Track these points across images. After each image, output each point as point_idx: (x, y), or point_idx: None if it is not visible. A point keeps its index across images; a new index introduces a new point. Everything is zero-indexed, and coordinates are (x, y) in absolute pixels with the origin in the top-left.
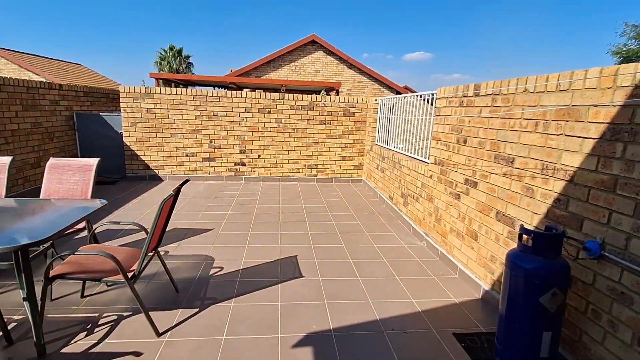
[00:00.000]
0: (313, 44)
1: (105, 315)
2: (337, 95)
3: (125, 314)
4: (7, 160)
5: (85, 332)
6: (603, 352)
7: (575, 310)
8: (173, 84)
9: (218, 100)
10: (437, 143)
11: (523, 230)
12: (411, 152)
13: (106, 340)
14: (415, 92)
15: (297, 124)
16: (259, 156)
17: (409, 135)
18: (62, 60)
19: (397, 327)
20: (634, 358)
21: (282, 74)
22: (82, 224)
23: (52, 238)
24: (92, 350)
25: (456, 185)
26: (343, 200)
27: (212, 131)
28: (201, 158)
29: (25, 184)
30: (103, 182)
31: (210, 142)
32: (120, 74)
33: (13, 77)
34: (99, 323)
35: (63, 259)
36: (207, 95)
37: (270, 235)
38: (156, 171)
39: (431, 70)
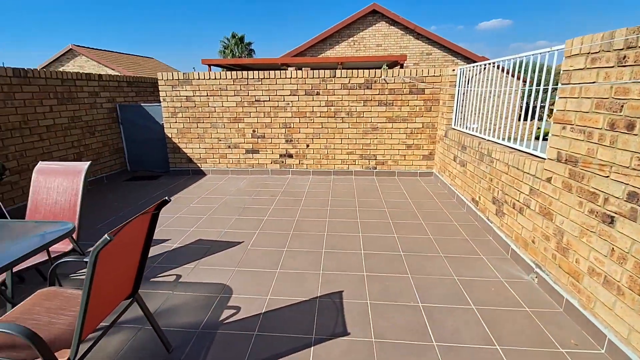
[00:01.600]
0: (374, 15)
1: None
2: (402, 69)
3: None
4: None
5: None
6: None
7: None
8: (225, 70)
9: (260, 82)
10: (565, 129)
11: None
12: (511, 141)
13: None
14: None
15: (352, 106)
16: (308, 146)
17: (505, 117)
18: (135, 55)
19: None
20: None
21: (340, 51)
22: (67, 244)
23: None
24: None
25: (607, 200)
26: (409, 202)
27: (255, 119)
28: (244, 150)
29: None
30: (147, 177)
31: (253, 131)
32: (189, 65)
33: (43, 69)
34: None
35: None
36: (247, 78)
37: (310, 254)
38: (199, 165)
39: (509, 39)
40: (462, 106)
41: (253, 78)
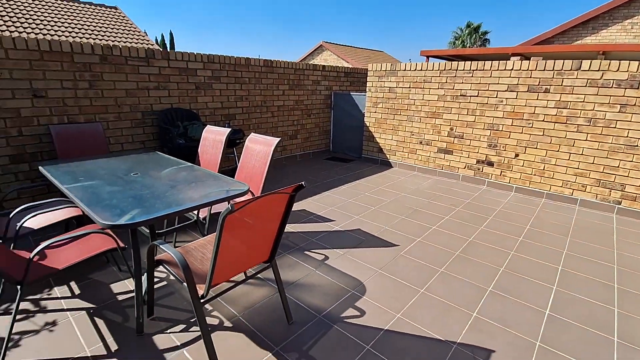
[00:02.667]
0: None
1: (209, 316)
2: None
3: (228, 325)
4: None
5: (184, 326)
6: None
7: None
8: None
9: (470, 75)
10: None
11: None
12: None
13: (185, 350)
14: None
15: (598, 111)
16: (516, 155)
17: None
18: (368, 49)
19: None
20: None
21: (608, 37)
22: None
23: (164, 218)
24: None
25: None
26: None
27: (455, 115)
28: (436, 148)
29: (284, 152)
30: (341, 159)
31: (451, 129)
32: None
33: (282, 60)
34: (191, 327)
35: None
36: (456, 70)
37: (469, 287)
38: (388, 156)
39: None
40: None
41: (462, 69)
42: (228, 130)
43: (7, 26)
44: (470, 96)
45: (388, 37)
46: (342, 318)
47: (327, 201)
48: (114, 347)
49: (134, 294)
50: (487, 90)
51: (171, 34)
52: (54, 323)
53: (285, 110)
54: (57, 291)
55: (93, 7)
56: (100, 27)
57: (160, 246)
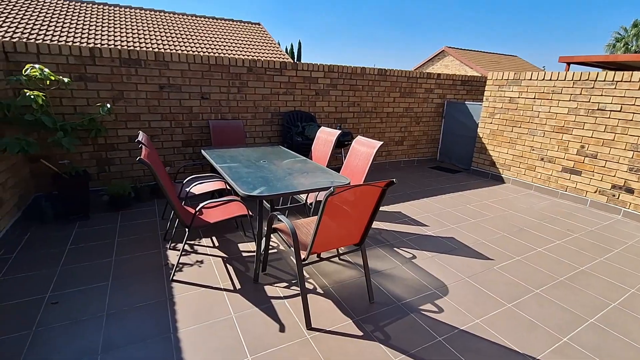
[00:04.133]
0: None
1: (307, 280)
2: None
3: (320, 291)
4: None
5: (287, 284)
6: None
7: None
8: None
9: (612, 86)
10: None
11: None
12: None
13: (286, 301)
14: None
15: None
16: None
17: None
18: (498, 54)
19: None
20: None
21: None
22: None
23: (274, 196)
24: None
25: None
26: None
27: (589, 132)
28: (560, 166)
29: (388, 157)
30: (447, 170)
31: (582, 146)
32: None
33: (396, 69)
34: (292, 286)
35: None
36: (594, 80)
37: (564, 312)
38: (500, 171)
39: None
40: None
41: (603, 80)
42: (338, 132)
43: (180, 44)
44: (611, 111)
45: (525, 40)
46: (419, 309)
47: (425, 207)
48: (237, 286)
49: (254, 253)
50: (634, 105)
51: (299, 44)
52: (201, 262)
53: (394, 117)
54: (204, 242)
55: (242, 24)
56: (247, 42)
57: (279, 216)
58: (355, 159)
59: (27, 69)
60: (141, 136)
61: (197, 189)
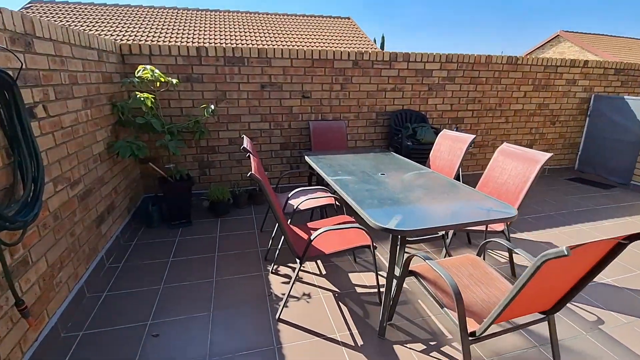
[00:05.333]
0: None
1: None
2: None
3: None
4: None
5: (424, 347)
6: None
7: None
8: None
9: None
10: None
11: None
12: None
13: None
14: None
15: None
16: None
17: None
18: (627, 37)
19: None
20: None
21: None
22: (501, 226)
23: (417, 232)
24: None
25: None
26: None
27: None
28: None
29: None
30: (594, 183)
31: None
32: None
33: (530, 56)
34: (432, 350)
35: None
36: None
37: None
38: None
39: None
40: None
41: None
42: (471, 137)
43: (279, 43)
44: None
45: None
46: None
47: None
48: (359, 341)
49: (371, 289)
50: None
51: (382, 38)
52: (309, 296)
53: (523, 116)
54: (308, 265)
55: (332, 19)
56: (338, 37)
57: (427, 261)
58: (502, 174)
59: (139, 71)
60: (246, 142)
61: (305, 204)
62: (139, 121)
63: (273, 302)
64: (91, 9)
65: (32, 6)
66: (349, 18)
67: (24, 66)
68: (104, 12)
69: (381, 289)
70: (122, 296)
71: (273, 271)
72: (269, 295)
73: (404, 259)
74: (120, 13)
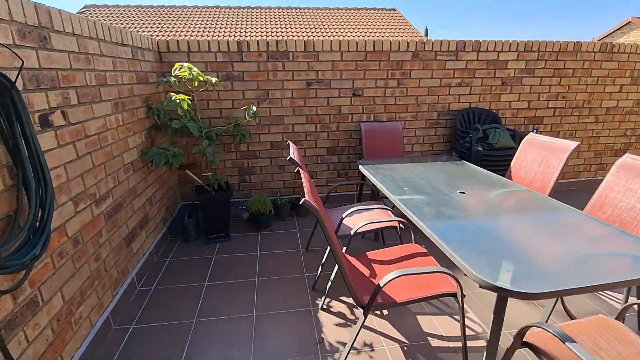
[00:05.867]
0: None
1: None
2: None
3: None
4: (569, 145)
5: None
6: None
7: None
8: None
9: None
10: None
11: None
12: None
13: None
14: None
15: None
16: None
17: None
18: None
19: None
20: None
21: None
22: None
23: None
24: None
25: None
26: None
27: None
28: None
29: (599, 171)
30: None
31: None
32: None
33: (630, 43)
34: None
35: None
36: None
37: None
38: None
39: None
40: None
41: None
42: (574, 144)
43: (318, 36)
44: None
45: None
46: None
47: None
48: None
49: (448, 343)
50: None
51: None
52: (371, 346)
53: (617, 114)
54: None
55: (377, 11)
56: (386, 29)
57: (549, 330)
58: (627, 196)
59: (176, 69)
60: (292, 150)
61: (364, 228)
62: (175, 125)
63: (325, 353)
64: (136, 11)
65: (85, 10)
66: (394, 9)
67: (36, 65)
68: (149, 14)
69: (467, 343)
70: (151, 330)
71: (324, 307)
72: (320, 343)
73: (519, 329)
74: (161, 13)
